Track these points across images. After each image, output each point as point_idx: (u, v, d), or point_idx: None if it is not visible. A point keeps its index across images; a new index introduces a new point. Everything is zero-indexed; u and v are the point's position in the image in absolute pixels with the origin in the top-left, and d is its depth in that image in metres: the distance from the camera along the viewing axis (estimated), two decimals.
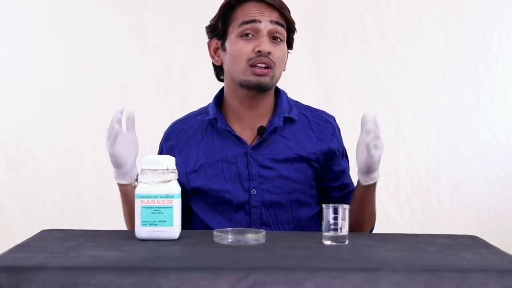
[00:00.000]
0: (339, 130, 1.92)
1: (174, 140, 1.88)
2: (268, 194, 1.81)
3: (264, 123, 1.84)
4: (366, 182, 1.71)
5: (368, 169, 1.68)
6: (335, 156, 1.87)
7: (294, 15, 1.85)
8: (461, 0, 3.38)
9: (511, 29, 3.38)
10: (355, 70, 3.38)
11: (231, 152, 1.82)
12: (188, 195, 1.85)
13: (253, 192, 1.80)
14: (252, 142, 1.82)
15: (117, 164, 1.70)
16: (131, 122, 1.71)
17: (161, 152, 1.90)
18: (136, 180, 1.67)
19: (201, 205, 1.84)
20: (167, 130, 1.93)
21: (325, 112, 1.93)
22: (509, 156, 3.39)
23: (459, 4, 3.38)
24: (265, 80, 1.77)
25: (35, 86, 3.33)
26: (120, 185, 1.75)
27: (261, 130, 1.81)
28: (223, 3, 1.83)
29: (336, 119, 1.93)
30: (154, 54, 3.35)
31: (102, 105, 3.30)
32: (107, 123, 1.68)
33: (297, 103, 1.91)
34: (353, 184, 1.88)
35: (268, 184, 1.81)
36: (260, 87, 1.78)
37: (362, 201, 1.76)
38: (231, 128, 1.83)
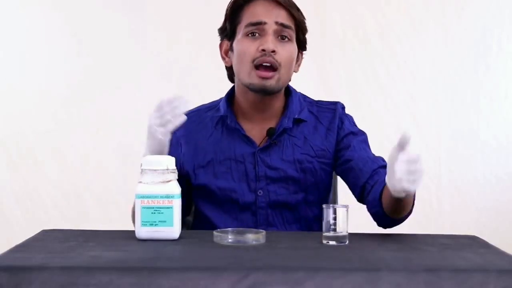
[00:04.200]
0: (343, 109, 1.86)
1: (183, 130, 1.80)
2: (274, 195, 1.80)
3: (273, 123, 1.82)
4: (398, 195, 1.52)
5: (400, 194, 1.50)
6: (350, 135, 1.82)
7: None
8: (461, 0, 3.38)
9: (511, 29, 3.38)
10: (355, 70, 3.38)
11: (239, 151, 1.81)
12: (193, 191, 1.84)
13: (260, 193, 1.80)
14: (261, 142, 1.81)
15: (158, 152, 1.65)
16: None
17: None
18: None
19: (207, 204, 1.83)
20: None
21: (331, 101, 1.88)
22: (509, 156, 3.39)
23: (459, 4, 3.38)
24: (270, 83, 1.75)
25: (35, 86, 3.33)
26: None
27: (270, 132, 1.79)
28: (230, 3, 1.81)
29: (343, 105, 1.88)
30: (154, 54, 3.35)
31: (102, 105, 3.31)
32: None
33: (307, 101, 1.88)
34: (380, 160, 1.76)
35: (274, 185, 1.80)
36: (265, 91, 1.76)
37: (394, 206, 1.60)
38: (241, 127, 1.81)
